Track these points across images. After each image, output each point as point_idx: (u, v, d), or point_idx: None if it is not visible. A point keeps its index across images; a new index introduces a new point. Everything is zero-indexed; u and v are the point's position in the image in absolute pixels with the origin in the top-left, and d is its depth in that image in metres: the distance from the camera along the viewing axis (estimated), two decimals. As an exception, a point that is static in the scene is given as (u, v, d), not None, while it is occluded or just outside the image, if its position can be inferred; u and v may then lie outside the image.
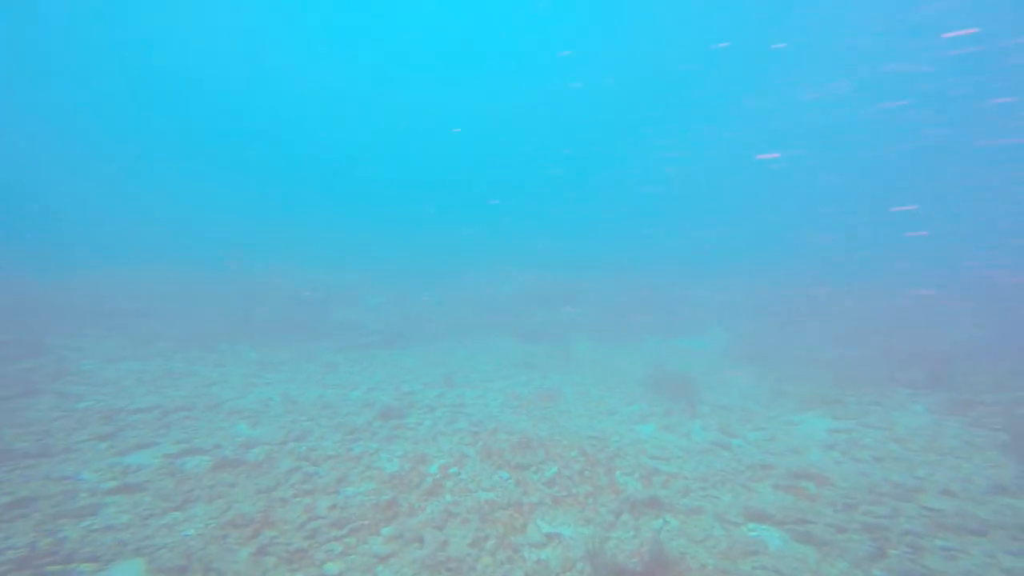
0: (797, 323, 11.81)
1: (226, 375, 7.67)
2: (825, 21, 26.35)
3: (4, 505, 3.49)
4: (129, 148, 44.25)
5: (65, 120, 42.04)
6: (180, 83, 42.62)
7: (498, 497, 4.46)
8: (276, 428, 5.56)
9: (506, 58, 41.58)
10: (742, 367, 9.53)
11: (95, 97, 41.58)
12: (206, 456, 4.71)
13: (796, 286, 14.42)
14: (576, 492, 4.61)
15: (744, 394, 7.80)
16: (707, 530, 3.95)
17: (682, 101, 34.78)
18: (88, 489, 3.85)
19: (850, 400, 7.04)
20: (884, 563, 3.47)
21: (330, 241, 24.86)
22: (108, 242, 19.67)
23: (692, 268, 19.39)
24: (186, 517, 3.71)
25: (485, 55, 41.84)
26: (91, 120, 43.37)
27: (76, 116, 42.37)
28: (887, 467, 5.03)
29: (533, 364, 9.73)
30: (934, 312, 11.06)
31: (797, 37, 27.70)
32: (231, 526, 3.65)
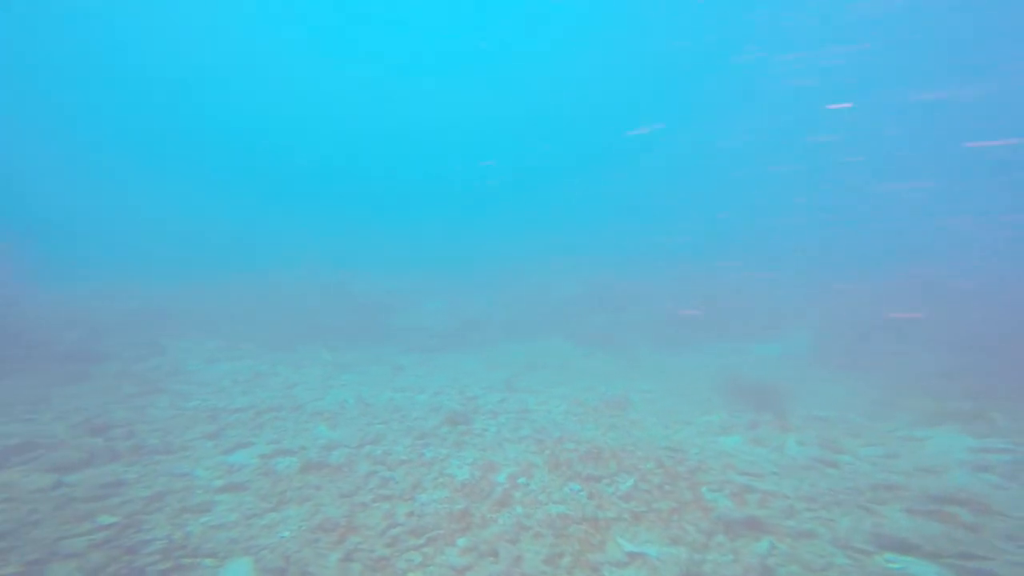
0: (897, 324, 10.23)
1: (305, 376, 8.26)
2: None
3: (146, 498, 3.98)
4: (153, 158, 46.86)
5: (75, 133, 44.02)
6: (201, 94, 44.10)
7: (571, 510, 4.28)
8: (353, 431, 5.84)
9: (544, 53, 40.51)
10: (832, 374, 8.45)
11: (111, 107, 43.67)
12: (294, 457, 5.04)
13: (896, 280, 12.52)
14: (658, 508, 4.29)
15: (842, 405, 6.87)
16: (827, 557, 3.45)
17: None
18: (202, 486, 4.27)
19: (995, 416, 5.88)
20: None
21: (383, 246, 25.95)
22: (168, 252, 22.12)
23: (764, 263, 17.69)
24: (281, 518, 3.97)
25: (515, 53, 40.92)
26: (110, 131, 45.27)
27: (95, 130, 44.48)
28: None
29: (594, 369, 9.40)
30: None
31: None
32: (320, 530, 3.84)
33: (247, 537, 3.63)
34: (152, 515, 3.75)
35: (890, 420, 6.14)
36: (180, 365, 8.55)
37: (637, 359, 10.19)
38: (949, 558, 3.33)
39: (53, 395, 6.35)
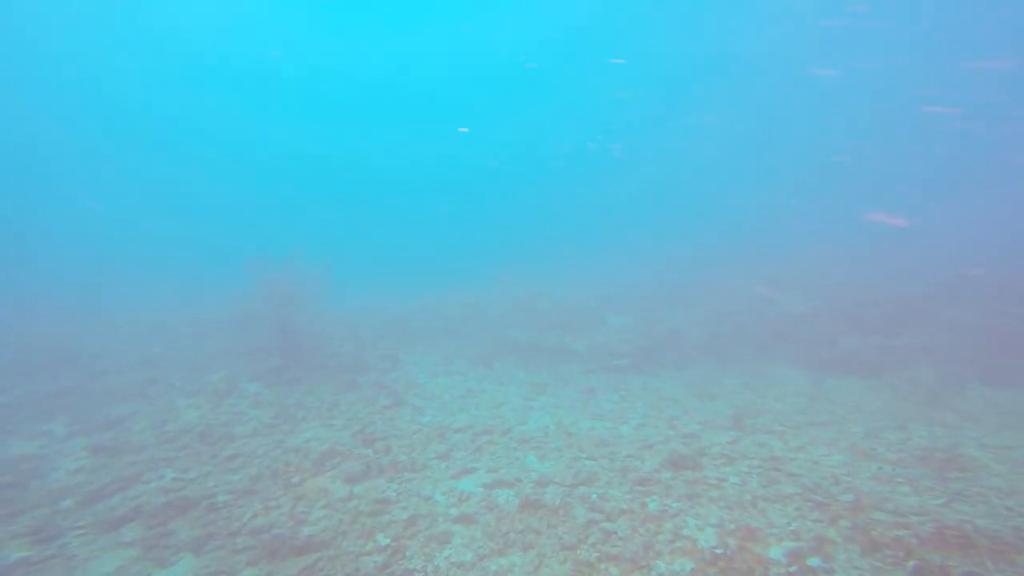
0: None
1: (507, 396, 8.63)
2: None
3: (404, 521, 4.52)
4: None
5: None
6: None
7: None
8: (562, 465, 5.53)
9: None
10: None
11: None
12: (511, 490, 5.03)
13: None
14: None
15: None
16: None
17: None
18: (441, 514, 4.63)
19: None
20: None
21: (569, 261, 25.51)
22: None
23: None
24: (509, 565, 3.85)
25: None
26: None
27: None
28: None
29: (860, 407, 6.72)
30: None
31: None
32: (558, 591, 3.51)
33: (484, 585, 3.61)
34: (409, 540, 4.20)
35: None
36: (413, 378, 10.27)
37: (940, 396, 6.82)
38: None
39: (341, 402, 8.42)
